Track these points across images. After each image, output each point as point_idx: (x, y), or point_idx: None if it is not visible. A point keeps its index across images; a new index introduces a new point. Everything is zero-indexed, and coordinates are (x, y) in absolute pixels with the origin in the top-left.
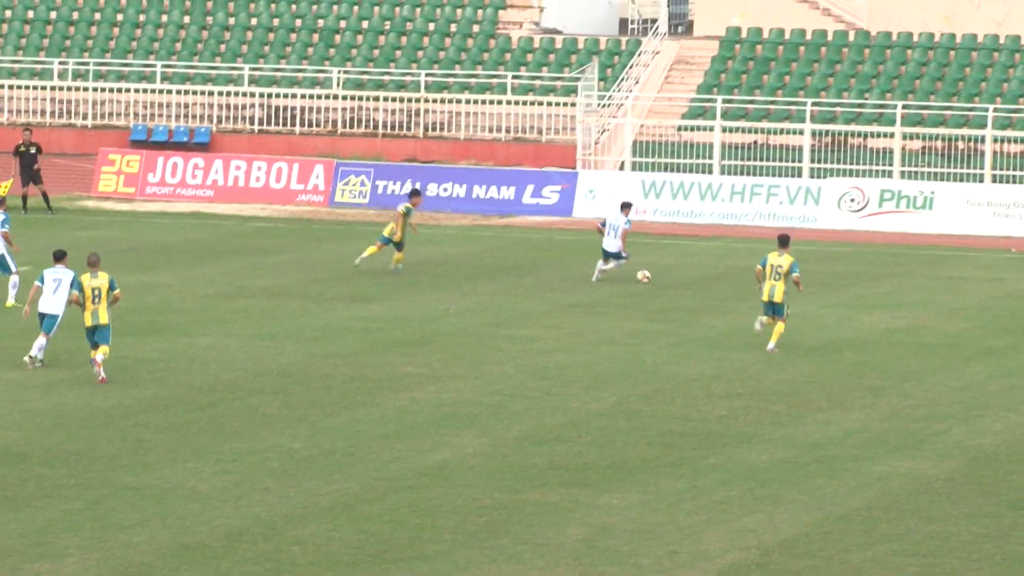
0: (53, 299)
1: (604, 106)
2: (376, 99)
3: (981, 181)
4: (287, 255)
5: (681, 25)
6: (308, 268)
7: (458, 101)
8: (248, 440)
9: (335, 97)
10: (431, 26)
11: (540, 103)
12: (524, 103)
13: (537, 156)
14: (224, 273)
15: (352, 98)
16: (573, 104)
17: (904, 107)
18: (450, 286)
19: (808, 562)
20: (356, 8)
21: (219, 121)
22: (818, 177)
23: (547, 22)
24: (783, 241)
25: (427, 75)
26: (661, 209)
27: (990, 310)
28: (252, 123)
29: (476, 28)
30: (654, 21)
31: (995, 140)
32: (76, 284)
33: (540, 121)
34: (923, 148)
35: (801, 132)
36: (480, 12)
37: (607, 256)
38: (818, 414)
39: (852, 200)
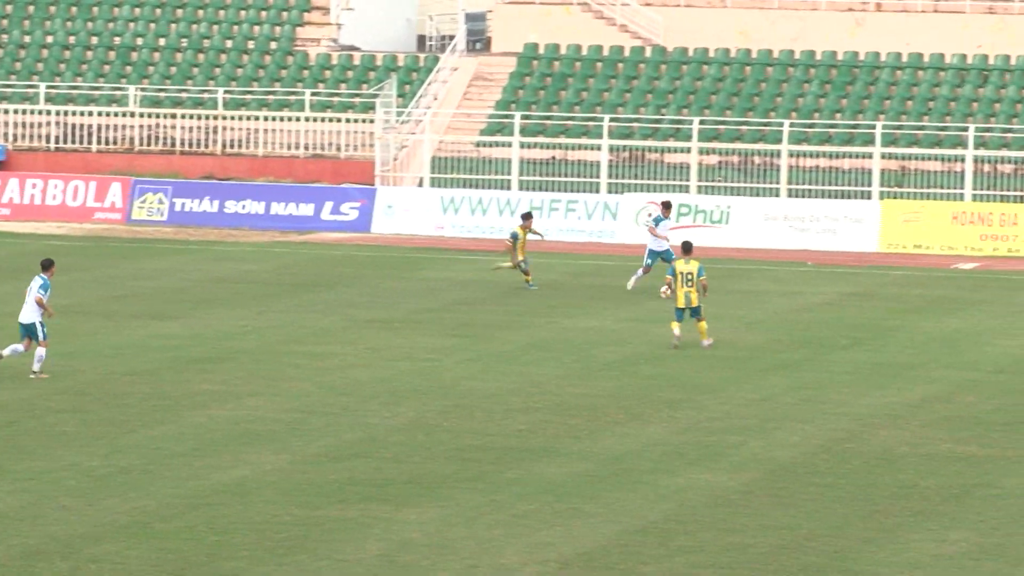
0: (24, 309)
1: (403, 122)
2: (173, 116)
3: (777, 195)
4: (83, 273)
5: (479, 42)
6: (105, 286)
7: (256, 118)
8: (45, 459)
9: (132, 115)
10: (228, 43)
11: (338, 120)
12: (322, 120)
13: (336, 172)
14: (19, 292)
15: (149, 115)
16: (371, 121)
17: (700, 122)
18: (248, 303)
19: (606, 574)
20: (152, 25)
21: (15, 139)
22: (616, 192)
23: (345, 39)
24: (687, 248)
25: (224, 92)
26: (460, 224)
27: (786, 323)
28: (48, 141)
29: (273, 45)
30: (452, 38)
31: (790, 155)
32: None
33: (338, 138)
34: (719, 163)
35: (598, 148)
36: (277, 29)
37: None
38: (616, 427)
39: (650, 215)
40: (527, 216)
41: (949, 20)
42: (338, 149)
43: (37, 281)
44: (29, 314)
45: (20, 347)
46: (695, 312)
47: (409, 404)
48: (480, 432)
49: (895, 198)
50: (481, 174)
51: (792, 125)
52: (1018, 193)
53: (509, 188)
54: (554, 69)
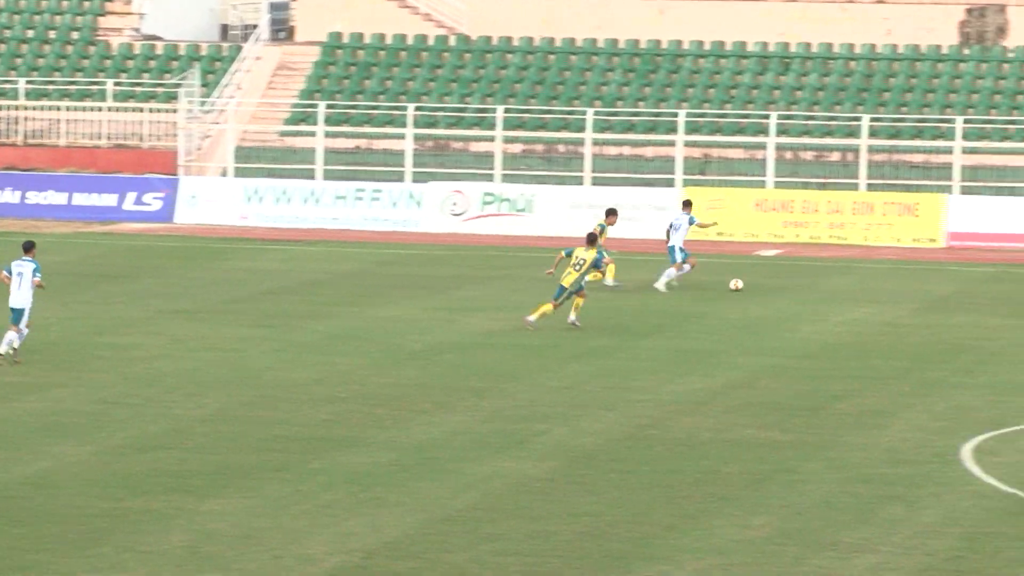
0: (17, 293)
1: (206, 112)
2: None
3: (581, 183)
4: None
5: (283, 31)
6: None
7: (58, 108)
8: None
9: None
10: (29, 33)
11: (141, 110)
12: (125, 110)
13: (138, 163)
14: None
15: None
16: (175, 110)
17: (505, 111)
18: (51, 295)
19: (411, 563)
20: None
21: None
22: (420, 181)
23: (147, 28)
24: (591, 239)
25: (26, 82)
26: (264, 214)
27: (590, 311)
28: None
29: (75, 35)
30: (255, 27)
31: (594, 143)
32: (37, 270)
33: (141, 128)
34: (523, 151)
35: (403, 136)
36: (79, 19)
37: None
38: (421, 416)
39: (454, 204)
40: (612, 212)
41: (751, 8)
42: (141, 139)
43: (28, 265)
44: (23, 299)
45: (14, 334)
46: (577, 291)
47: (214, 395)
48: (285, 422)
49: (698, 185)
50: (285, 164)
51: (596, 113)
52: (819, 180)
53: (313, 178)
54: (358, 58)
